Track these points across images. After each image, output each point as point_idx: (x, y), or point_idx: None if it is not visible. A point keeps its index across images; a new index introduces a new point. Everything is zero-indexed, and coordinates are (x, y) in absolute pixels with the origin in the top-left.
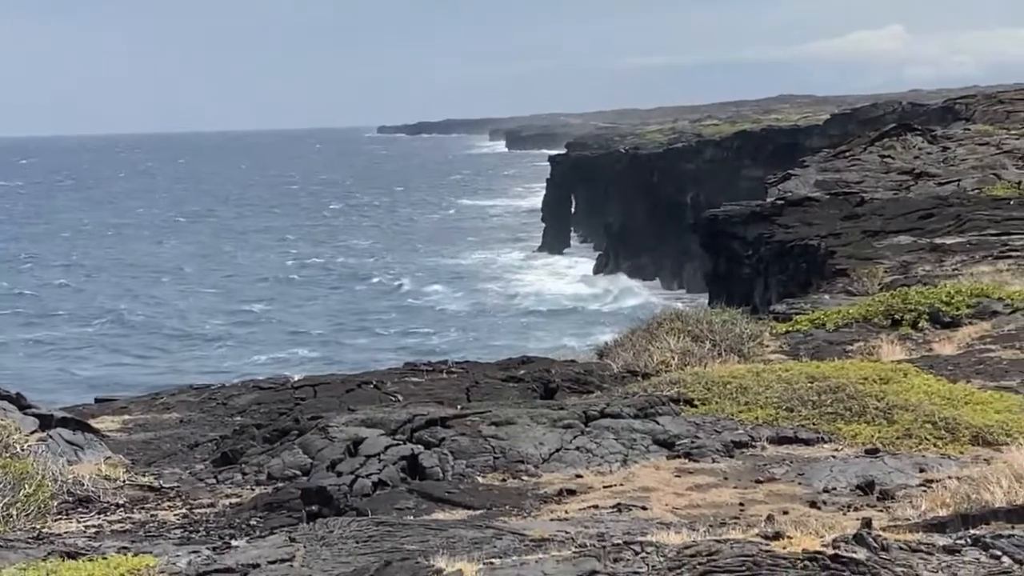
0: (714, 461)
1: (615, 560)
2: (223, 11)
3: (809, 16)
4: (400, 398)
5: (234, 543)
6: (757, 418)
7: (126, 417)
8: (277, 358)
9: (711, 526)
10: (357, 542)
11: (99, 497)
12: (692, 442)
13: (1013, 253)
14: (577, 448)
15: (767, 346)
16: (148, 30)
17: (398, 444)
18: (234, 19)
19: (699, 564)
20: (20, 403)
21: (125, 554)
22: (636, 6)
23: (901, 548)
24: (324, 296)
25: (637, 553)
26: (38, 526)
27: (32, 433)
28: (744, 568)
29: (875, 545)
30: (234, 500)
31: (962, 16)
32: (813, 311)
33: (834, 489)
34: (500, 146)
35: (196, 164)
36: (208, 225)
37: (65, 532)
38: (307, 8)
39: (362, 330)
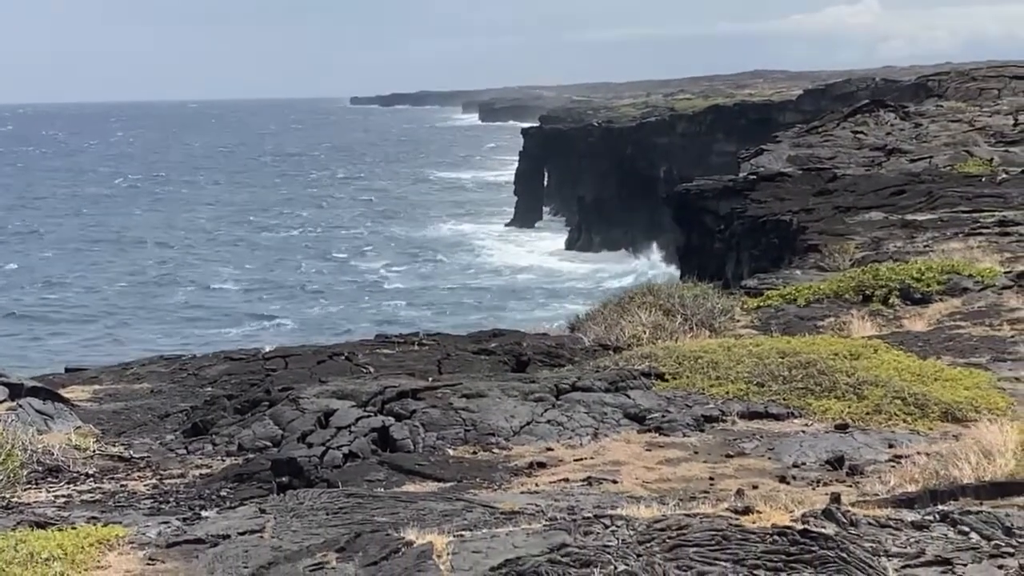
0: (685, 435)
1: (585, 533)
2: None
3: None
4: (371, 370)
5: (204, 514)
6: (728, 393)
7: (96, 387)
8: (245, 333)
9: (681, 500)
10: (327, 513)
11: (69, 467)
12: (663, 416)
13: (984, 230)
14: (548, 421)
15: (738, 321)
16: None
17: (369, 416)
18: None
19: (669, 538)
20: None
21: (94, 524)
22: None
23: (870, 523)
24: (290, 267)
25: (607, 527)
26: (7, 495)
27: (1, 403)
28: (714, 542)
29: (844, 520)
30: (204, 471)
31: None
32: (784, 286)
33: (804, 464)
34: (474, 118)
35: (177, 133)
36: (178, 195)
37: (34, 502)
38: None
39: (326, 303)
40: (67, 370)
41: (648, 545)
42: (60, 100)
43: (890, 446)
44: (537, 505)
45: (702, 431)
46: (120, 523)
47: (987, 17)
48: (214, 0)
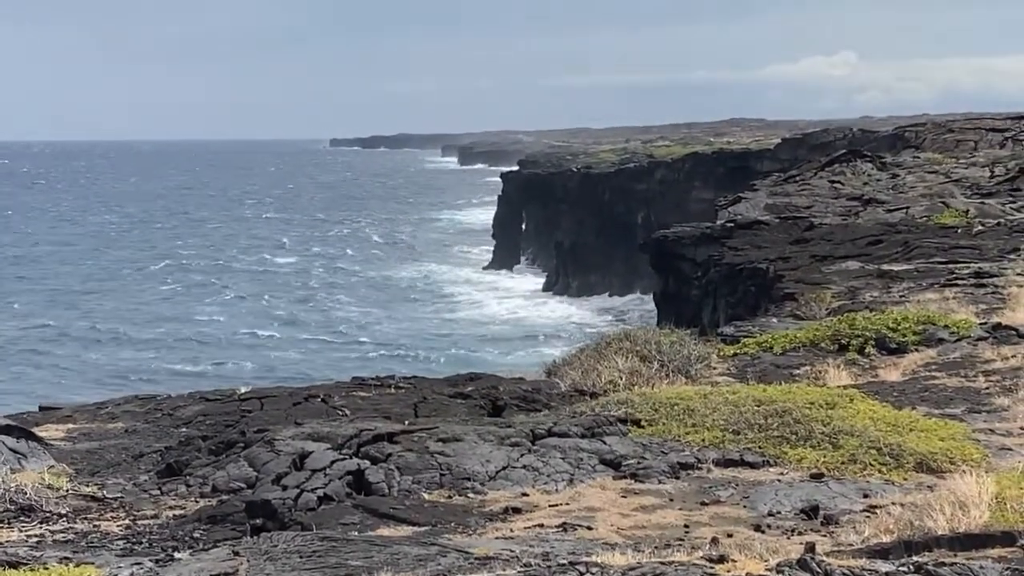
0: (660, 482)
1: None
2: (171, 18)
3: (763, 40)
4: (347, 412)
5: (177, 555)
6: (704, 440)
7: (70, 426)
8: (220, 373)
9: (656, 548)
10: (301, 557)
11: (42, 506)
12: (639, 463)
13: (959, 281)
14: (524, 466)
15: (715, 368)
16: (102, 36)
17: (344, 459)
18: (183, 26)
19: None
20: None
21: (67, 564)
22: (587, 25)
23: (844, 574)
24: (261, 307)
25: (582, 574)
26: None
27: None
28: None
29: (819, 571)
30: (178, 512)
31: (914, 44)
32: (761, 334)
33: (779, 513)
34: (452, 161)
35: (155, 173)
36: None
37: (7, 541)
38: (260, 17)
39: (300, 345)
40: (41, 408)
41: None
42: (34, 137)
43: (865, 496)
44: (512, 551)
45: (678, 478)
46: (93, 564)
47: (962, 70)
48: (182, 39)
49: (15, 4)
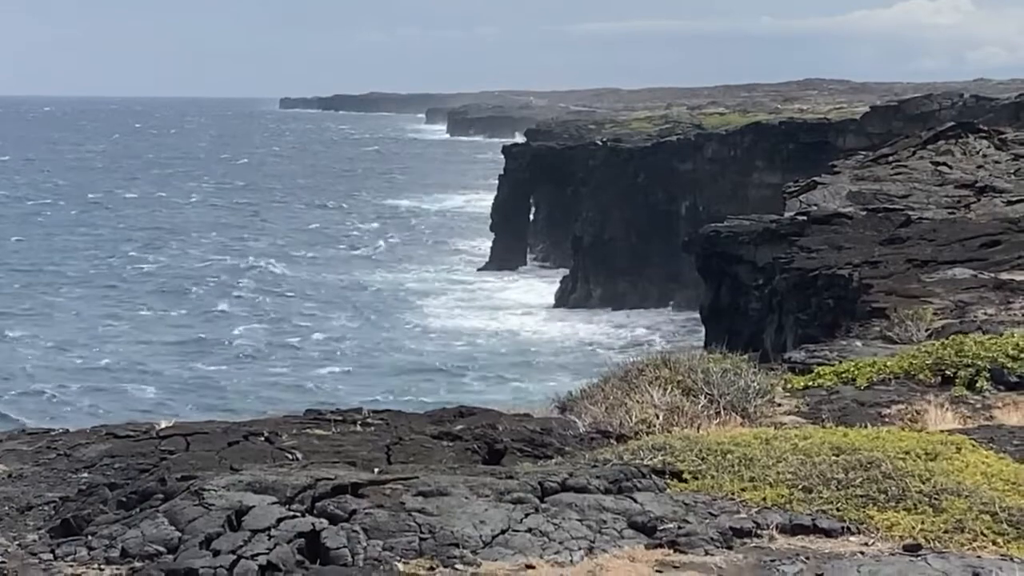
0: (707, 553)
1: None
2: None
3: None
4: (299, 456)
5: None
6: (765, 499)
7: None
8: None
9: None
10: None
11: None
12: (679, 527)
13: None
14: (529, 530)
15: (779, 405)
16: None
17: (295, 516)
18: None
19: None
20: None
21: None
22: None
23: None
24: (193, 317)
25: None
26: None
27: None
28: None
29: None
30: None
31: None
32: (840, 362)
33: None
34: (440, 131)
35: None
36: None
37: None
38: None
39: (240, 364)
40: None
41: None
42: None
43: (975, 575)
44: None
45: (730, 548)
46: None
47: None
48: None
49: None
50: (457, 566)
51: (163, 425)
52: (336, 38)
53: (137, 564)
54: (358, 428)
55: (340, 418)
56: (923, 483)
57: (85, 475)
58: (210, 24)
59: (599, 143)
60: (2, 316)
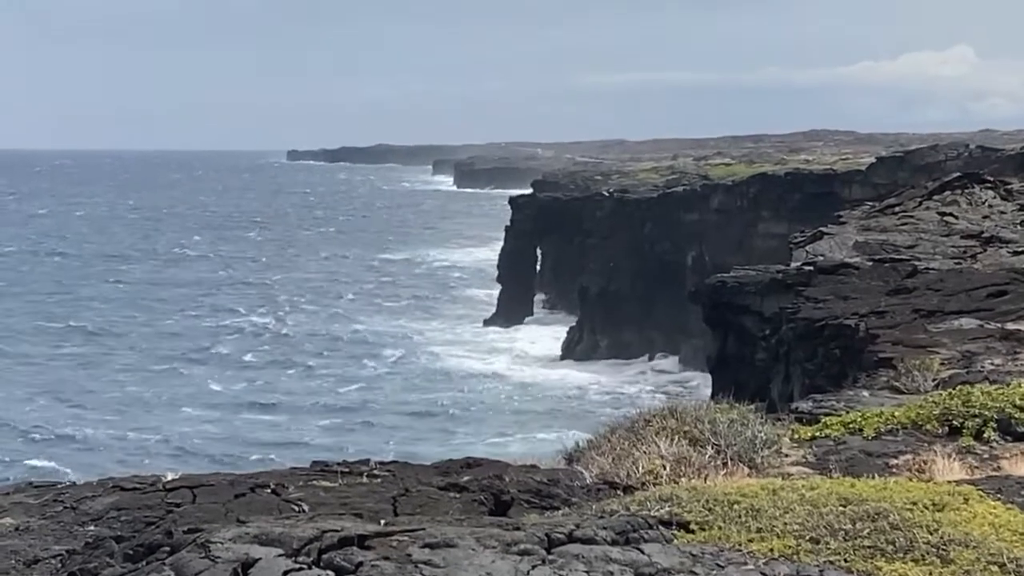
0: None
1: None
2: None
3: (853, 31)
4: (306, 508)
5: None
6: (772, 550)
7: None
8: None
9: None
10: None
11: None
12: None
13: None
14: None
15: (787, 456)
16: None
17: (301, 569)
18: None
19: None
20: None
21: None
22: (624, 7)
23: None
24: (176, 372)
25: None
26: None
27: None
28: None
29: None
30: None
31: None
32: (848, 412)
33: None
34: (447, 182)
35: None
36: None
37: None
38: (215, 3)
39: (242, 416)
40: None
41: None
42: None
43: None
44: None
45: None
46: None
47: None
48: (89, 16)
49: None
50: None
51: (169, 477)
52: (342, 90)
53: None
54: (365, 479)
55: (347, 470)
56: (931, 534)
57: (92, 528)
58: (211, 77)
59: (606, 194)
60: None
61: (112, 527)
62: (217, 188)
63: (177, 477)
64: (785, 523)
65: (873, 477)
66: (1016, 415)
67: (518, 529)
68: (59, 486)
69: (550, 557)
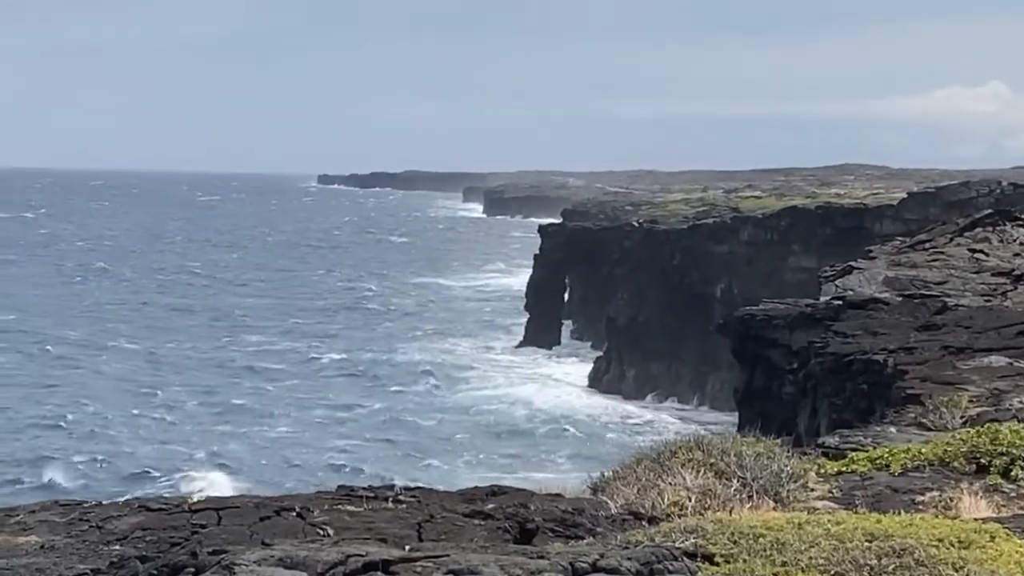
0: None
1: None
2: (86, 20)
3: (885, 65)
4: (330, 532)
5: None
6: None
7: None
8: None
9: None
10: None
11: None
12: None
13: None
14: None
15: (813, 490)
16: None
17: None
18: (113, 28)
19: None
20: None
21: None
22: (656, 37)
23: None
24: (203, 395)
25: None
26: None
27: None
28: None
29: None
30: None
31: None
32: (875, 447)
33: None
34: (476, 210)
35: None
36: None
37: None
38: (246, 25)
39: (265, 441)
40: None
41: None
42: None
43: None
44: None
45: None
46: None
47: None
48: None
49: None
50: None
51: (195, 499)
52: (372, 114)
53: None
54: (390, 505)
55: (372, 494)
56: (956, 571)
57: (117, 547)
58: (239, 99)
59: (635, 224)
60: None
61: (137, 547)
62: (270, 210)
63: (202, 499)
64: (810, 557)
65: (899, 513)
66: None
67: (542, 557)
68: (84, 505)
69: None
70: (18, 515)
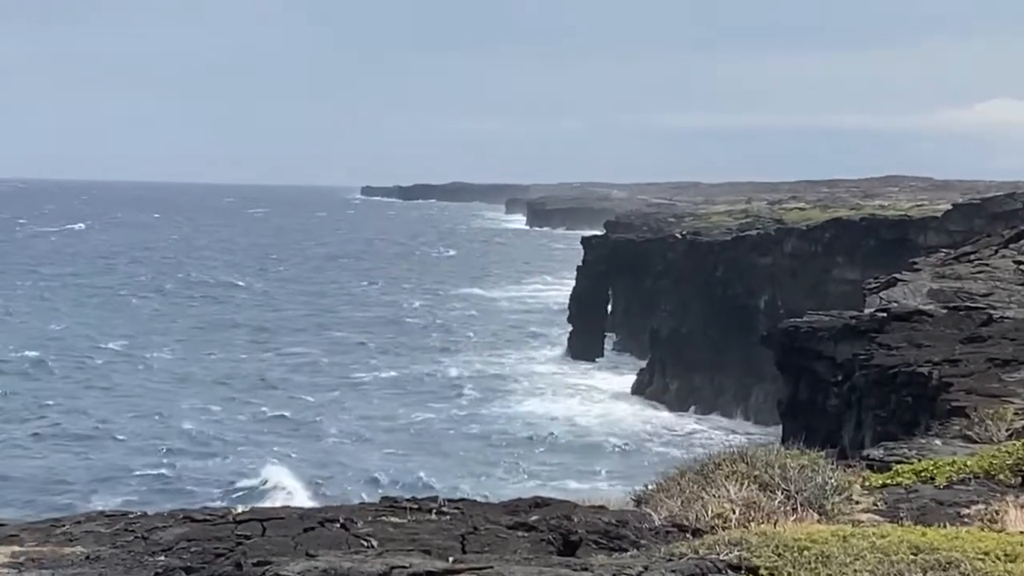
0: None
1: None
2: (131, 32)
3: (931, 77)
4: (374, 543)
5: None
6: None
7: (16, 548)
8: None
9: None
10: None
11: None
12: None
13: None
14: None
15: (857, 503)
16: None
17: None
18: (160, 42)
19: None
20: None
21: None
22: (700, 48)
23: None
24: (247, 409)
25: None
26: None
27: None
28: None
29: None
30: None
31: None
32: (919, 460)
33: None
34: (519, 221)
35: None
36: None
37: None
38: (292, 41)
39: (309, 453)
40: None
41: None
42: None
43: None
44: None
45: None
46: None
47: None
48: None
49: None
50: None
51: (240, 510)
52: (416, 126)
53: None
54: (433, 516)
55: (415, 506)
56: None
57: (162, 558)
58: (289, 114)
59: (678, 236)
60: None
61: (182, 558)
62: (314, 222)
63: (246, 509)
64: (855, 570)
65: (944, 526)
66: None
67: (586, 570)
68: (130, 516)
69: None
70: (64, 525)
